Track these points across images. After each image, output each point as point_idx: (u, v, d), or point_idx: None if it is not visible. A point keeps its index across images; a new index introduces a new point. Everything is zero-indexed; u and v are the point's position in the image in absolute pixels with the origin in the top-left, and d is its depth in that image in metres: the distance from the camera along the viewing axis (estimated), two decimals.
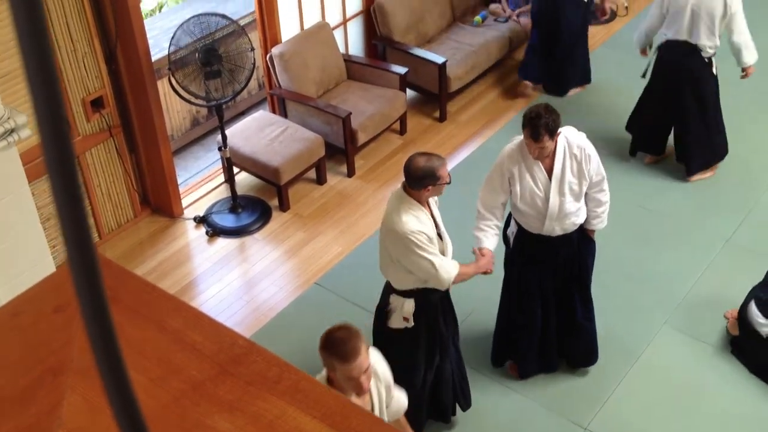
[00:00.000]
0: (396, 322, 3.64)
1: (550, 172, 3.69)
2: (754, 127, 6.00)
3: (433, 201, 3.57)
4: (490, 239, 3.78)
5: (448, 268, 3.46)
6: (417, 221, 3.38)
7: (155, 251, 5.12)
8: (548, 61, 6.25)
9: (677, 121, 5.44)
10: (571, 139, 3.68)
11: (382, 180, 5.66)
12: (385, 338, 3.71)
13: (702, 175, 5.54)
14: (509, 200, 3.82)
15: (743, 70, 5.23)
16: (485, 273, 3.69)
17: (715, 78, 5.26)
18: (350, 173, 5.72)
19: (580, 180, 3.71)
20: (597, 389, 4.26)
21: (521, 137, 3.69)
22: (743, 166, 5.65)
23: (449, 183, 3.42)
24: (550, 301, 4.06)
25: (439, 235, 3.53)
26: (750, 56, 5.12)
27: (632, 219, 5.26)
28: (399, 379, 3.76)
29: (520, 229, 3.90)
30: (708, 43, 5.05)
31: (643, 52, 5.49)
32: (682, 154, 5.56)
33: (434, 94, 6.23)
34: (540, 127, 3.46)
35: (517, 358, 4.28)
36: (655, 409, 4.17)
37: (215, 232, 5.24)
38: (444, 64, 6.06)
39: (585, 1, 6.12)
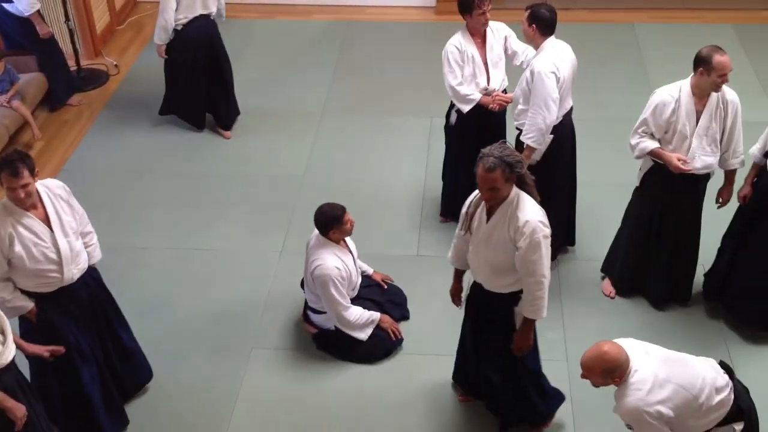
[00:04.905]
0: None
1: (46, 220, 3.67)
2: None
3: None
4: None
5: None
6: None
7: None
8: None
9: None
10: (49, 185, 3.75)
11: None
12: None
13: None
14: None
15: None
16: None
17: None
18: None
19: (73, 215, 3.80)
20: None
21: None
22: (273, 181, 6.02)
23: None
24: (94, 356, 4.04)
25: None
26: None
27: (189, 263, 5.30)
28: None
29: (42, 305, 3.76)
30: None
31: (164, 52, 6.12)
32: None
33: None
34: (17, 162, 3.52)
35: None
36: (277, 428, 4.27)
37: None
38: None
39: None
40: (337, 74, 7.26)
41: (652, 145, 4.41)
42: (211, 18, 6.10)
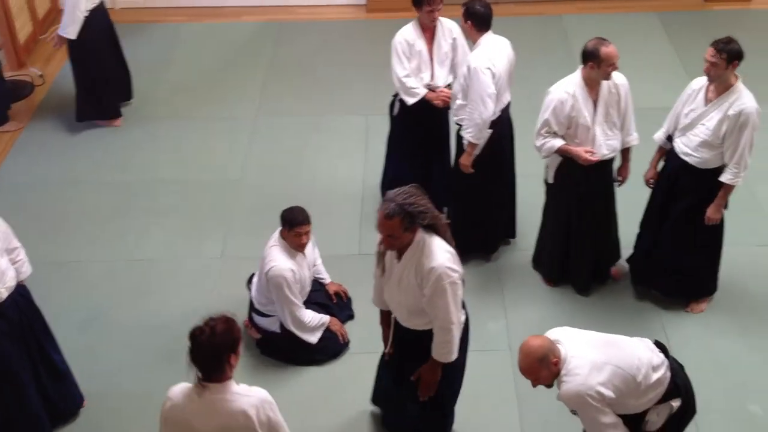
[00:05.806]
0: None
1: None
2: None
3: None
4: None
5: None
6: None
7: None
8: None
9: None
10: None
11: None
12: None
13: None
14: None
15: None
16: None
17: None
18: None
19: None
20: None
21: None
22: (209, 186, 5.94)
23: None
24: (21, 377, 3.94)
25: None
26: None
27: (126, 274, 5.20)
28: None
29: None
30: None
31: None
32: None
33: None
34: None
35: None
36: None
37: None
38: None
39: None
40: (270, 75, 7.20)
41: (558, 143, 4.51)
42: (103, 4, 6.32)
